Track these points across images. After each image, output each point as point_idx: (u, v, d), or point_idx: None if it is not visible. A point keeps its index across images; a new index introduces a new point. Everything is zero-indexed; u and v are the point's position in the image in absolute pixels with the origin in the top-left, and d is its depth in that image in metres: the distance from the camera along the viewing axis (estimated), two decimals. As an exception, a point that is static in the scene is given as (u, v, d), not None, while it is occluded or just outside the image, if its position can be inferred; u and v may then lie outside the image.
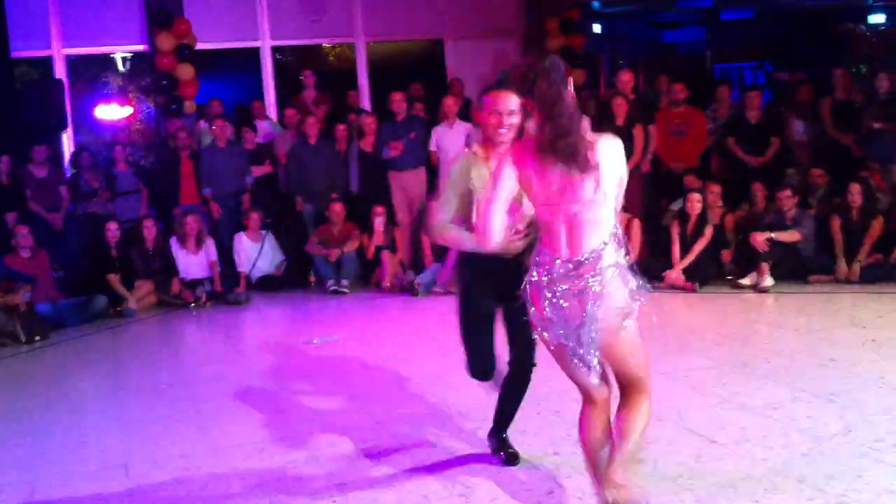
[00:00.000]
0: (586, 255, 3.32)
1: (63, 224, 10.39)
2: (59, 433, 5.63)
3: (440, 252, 9.81)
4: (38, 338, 8.50)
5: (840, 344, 6.21)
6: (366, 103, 13.15)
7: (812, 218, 8.87)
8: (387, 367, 6.58)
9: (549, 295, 3.38)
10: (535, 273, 3.43)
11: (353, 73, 13.68)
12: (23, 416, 6.11)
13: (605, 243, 3.33)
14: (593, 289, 3.30)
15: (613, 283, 3.33)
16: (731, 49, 20.74)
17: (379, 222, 10.09)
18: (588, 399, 3.61)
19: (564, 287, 3.34)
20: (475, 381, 4.51)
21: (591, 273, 3.31)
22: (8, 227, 9.68)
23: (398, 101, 10.52)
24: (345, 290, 9.87)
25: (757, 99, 10.22)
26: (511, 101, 3.98)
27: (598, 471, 3.55)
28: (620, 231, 3.43)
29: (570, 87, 3.41)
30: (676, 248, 8.84)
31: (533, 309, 3.45)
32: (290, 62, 14.20)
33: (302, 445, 5.00)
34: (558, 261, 3.36)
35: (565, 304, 3.35)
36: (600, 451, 3.57)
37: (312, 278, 10.21)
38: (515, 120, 3.98)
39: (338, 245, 10.12)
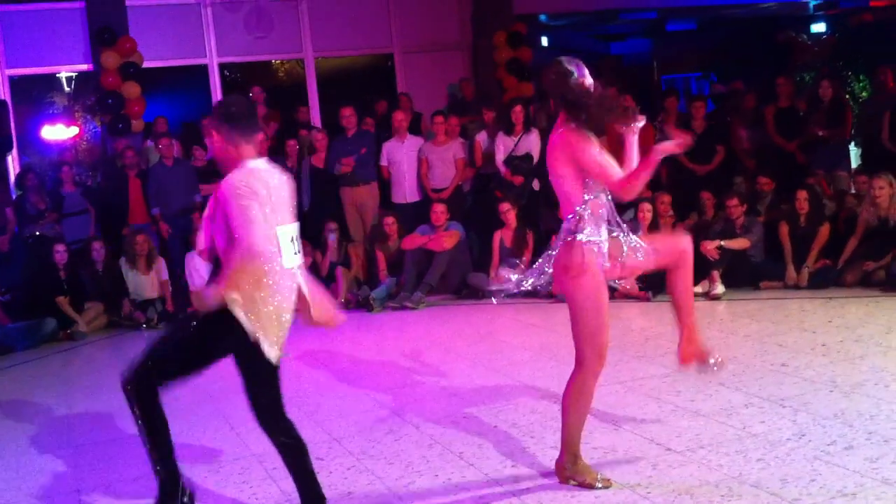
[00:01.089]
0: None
1: (9, 246, 10.22)
2: (9, 458, 5.53)
3: (394, 266, 9.82)
4: (-15, 363, 8.35)
5: (791, 349, 6.30)
6: (316, 119, 13.11)
7: (760, 225, 9.00)
8: (343, 382, 6.55)
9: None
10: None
11: (302, 88, 13.64)
12: (-30, 443, 5.98)
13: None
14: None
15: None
16: (677, 60, 21.04)
17: (332, 238, 10.05)
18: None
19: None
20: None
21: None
22: (-47, 251, 9.51)
23: (348, 117, 10.51)
24: None
25: (701, 109, 10.39)
26: None
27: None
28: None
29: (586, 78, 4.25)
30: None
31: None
32: (239, 79, 14.11)
33: (257, 463, 4.95)
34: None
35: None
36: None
37: None
38: None
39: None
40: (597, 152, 4.12)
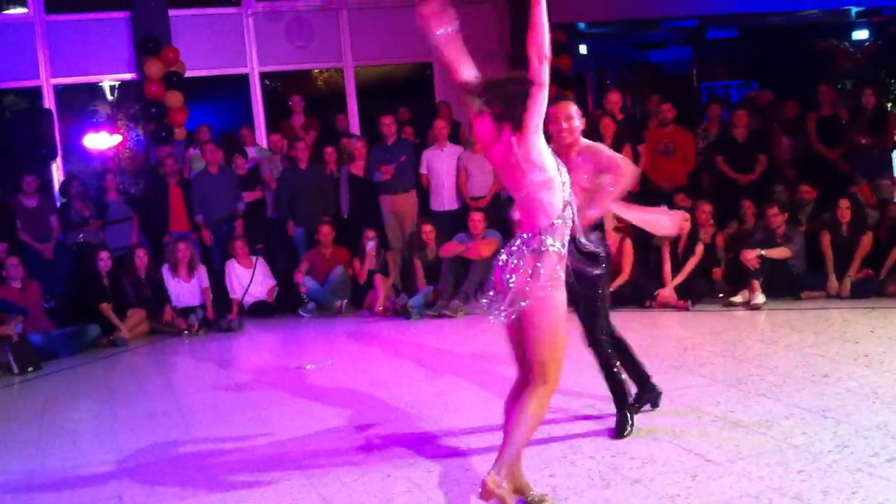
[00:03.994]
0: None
1: (54, 254, 10.38)
2: (52, 464, 5.61)
3: (432, 275, 9.85)
4: (30, 368, 8.47)
5: (833, 359, 6.23)
6: (355, 127, 13.19)
7: (801, 234, 8.91)
8: (381, 390, 6.57)
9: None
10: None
11: (341, 97, 13.74)
12: (16, 447, 6.08)
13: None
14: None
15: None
16: (717, 67, 20.90)
17: (371, 246, 10.11)
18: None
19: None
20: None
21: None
22: (-2, 258, 9.67)
23: (388, 125, 10.57)
24: (307, 314, 10.01)
25: (744, 117, 10.30)
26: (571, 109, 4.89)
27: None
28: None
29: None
30: (668, 267, 8.86)
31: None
32: (279, 88, 14.25)
33: (297, 471, 4.98)
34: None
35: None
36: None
37: (303, 289, 10.16)
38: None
39: (328, 273, 10.18)
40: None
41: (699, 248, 8.91)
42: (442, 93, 13.61)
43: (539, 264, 3.93)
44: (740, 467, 4.41)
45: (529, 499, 4.16)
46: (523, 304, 3.91)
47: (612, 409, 5.20)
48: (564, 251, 4.02)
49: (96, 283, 9.74)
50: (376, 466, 4.94)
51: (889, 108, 11.03)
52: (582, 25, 15.61)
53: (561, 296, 3.99)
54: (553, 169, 3.99)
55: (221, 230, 10.71)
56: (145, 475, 5.21)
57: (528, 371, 4.01)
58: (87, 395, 7.68)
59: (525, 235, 4.02)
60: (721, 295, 8.85)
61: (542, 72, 4.05)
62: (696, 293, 8.77)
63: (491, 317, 3.95)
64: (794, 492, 4.05)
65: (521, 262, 3.96)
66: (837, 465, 4.30)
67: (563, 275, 4.01)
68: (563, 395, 5.52)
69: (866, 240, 8.58)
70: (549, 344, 3.94)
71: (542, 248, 3.95)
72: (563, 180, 4.04)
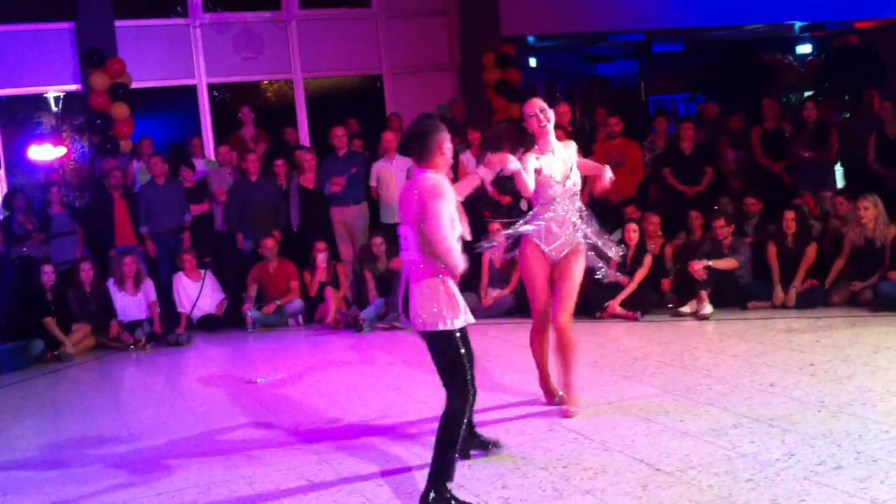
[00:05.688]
0: None
1: (-4, 267, 10.17)
2: (-5, 483, 5.49)
3: (383, 287, 9.81)
4: (-28, 384, 8.29)
5: (779, 369, 6.32)
6: (305, 139, 13.13)
7: (748, 245, 9.05)
8: (332, 403, 6.54)
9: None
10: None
11: (291, 109, 13.66)
12: (-43, 466, 5.94)
13: None
14: None
15: None
16: (664, 81, 21.19)
17: (322, 258, 10.06)
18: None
19: None
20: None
21: None
22: (-60, 272, 9.45)
23: (339, 137, 10.53)
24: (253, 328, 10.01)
25: (690, 130, 10.43)
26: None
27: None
28: None
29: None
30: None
31: None
32: (228, 99, 14.13)
33: (247, 488, 4.93)
34: None
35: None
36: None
37: (249, 319, 10.08)
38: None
39: (276, 289, 10.10)
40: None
41: (647, 259, 9.01)
42: (392, 105, 13.60)
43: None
44: (690, 476, 4.45)
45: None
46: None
47: (562, 420, 5.22)
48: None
49: (40, 297, 9.56)
50: (329, 482, 4.90)
51: (832, 122, 11.18)
52: (531, 39, 15.73)
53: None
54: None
55: (168, 243, 10.58)
56: (91, 492, 5.11)
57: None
58: (31, 411, 7.53)
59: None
60: (670, 305, 8.95)
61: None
62: (645, 304, 8.85)
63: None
64: (743, 500, 4.10)
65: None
66: (785, 474, 4.35)
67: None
68: (515, 403, 5.55)
69: (811, 251, 8.73)
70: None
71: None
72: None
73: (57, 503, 5.01)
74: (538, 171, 5.53)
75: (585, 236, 5.69)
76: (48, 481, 5.42)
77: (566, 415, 5.57)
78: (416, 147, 4.57)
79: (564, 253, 5.63)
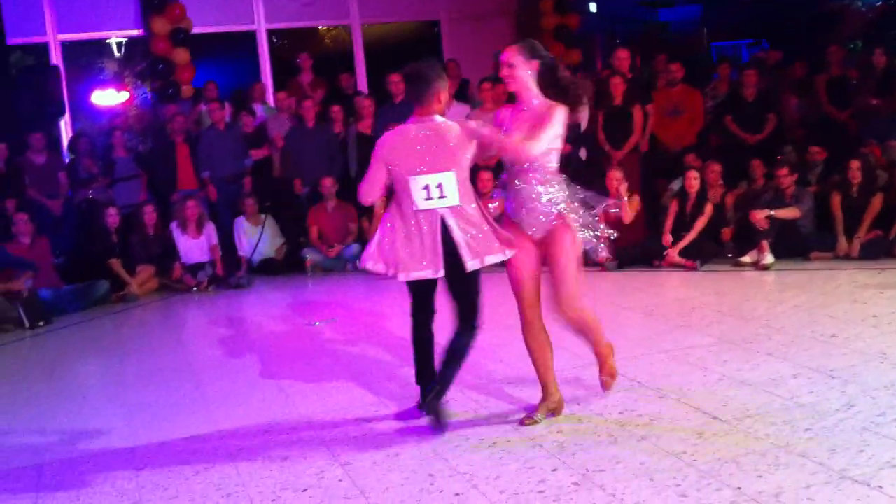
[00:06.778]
0: None
1: (62, 210, 10.40)
2: (64, 417, 5.67)
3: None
4: (41, 323, 8.54)
5: (841, 320, 6.24)
6: (362, 86, 13.13)
7: (811, 195, 8.89)
8: (388, 347, 6.62)
9: None
10: None
11: (349, 55, 13.66)
12: (28, 400, 6.14)
13: None
14: None
15: None
16: (728, 27, 20.72)
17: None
18: None
19: None
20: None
21: None
22: (7, 215, 9.69)
23: (396, 83, 10.50)
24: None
25: (753, 77, 10.21)
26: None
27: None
28: None
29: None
30: (669, 224, 8.88)
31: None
32: (286, 45, 14.17)
33: (306, 425, 5.03)
34: None
35: None
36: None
37: (309, 262, 10.21)
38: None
39: (334, 230, 10.19)
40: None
41: (708, 208, 8.90)
42: (449, 51, 13.52)
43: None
44: (747, 425, 4.43)
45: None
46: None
47: (618, 367, 5.22)
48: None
49: (105, 239, 9.78)
50: (386, 422, 4.98)
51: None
52: (592, -17, 15.50)
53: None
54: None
55: (228, 188, 10.71)
56: (156, 428, 5.26)
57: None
58: (97, 350, 7.74)
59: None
60: (730, 255, 8.84)
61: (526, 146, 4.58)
62: (704, 253, 8.77)
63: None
64: (801, 449, 4.08)
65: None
66: (844, 425, 4.32)
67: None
68: (569, 350, 5.56)
69: (876, 201, 8.55)
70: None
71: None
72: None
73: (123, 440, 5.15)
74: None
75: (565, 208, 4.68)
76: (114, 417, 5.58)
77: (602, 386, 5.04)
78: (416, 90, 4.71)
79: (544, 232, 4.69)
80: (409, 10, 13.88)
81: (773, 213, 8.57)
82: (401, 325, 7.35)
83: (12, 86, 11.46)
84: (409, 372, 5.88)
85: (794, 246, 8.62)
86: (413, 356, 5.03)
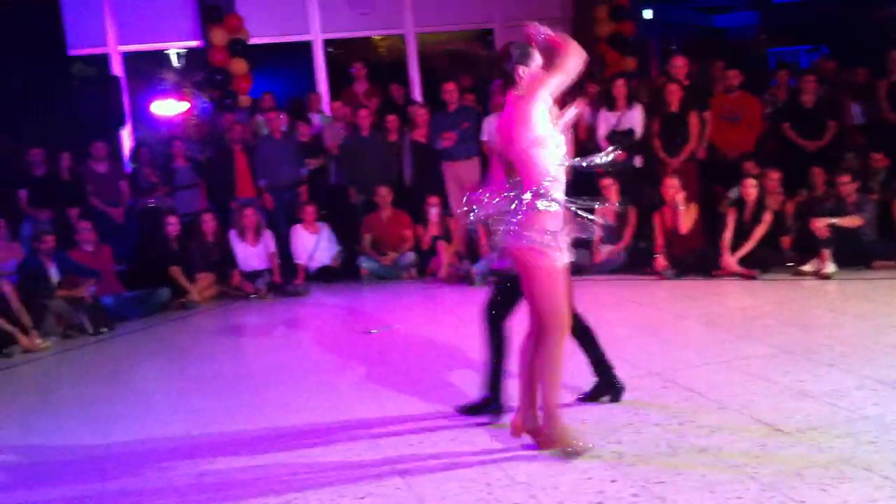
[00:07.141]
0: None
1: (124, 218, 10.59)
2: (126, 422, 5.76)
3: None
4: (104, 329, 8.70)
5: (905, 330, 6.12)
6: (417, 94, 13.19)
7: (873, 203, 8.73)
8: (444, 355, 6.63)
9: None
10: None
11: (402, 64, 13.74)
12: (91, 405, 6.26)
13: None
14: None
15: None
16: (785, 32, 20.47)
17: (434, 212, 10.15)
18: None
19: None
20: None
21: None
22: (71, 223, 9.90)
23: (450, 92, 10.54)
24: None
25: (812, 83, 10.07)
26: None
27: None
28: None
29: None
30: (729, 234, 8.77)
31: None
32: (341, 55, 14.30)
33: (364, 432, 5.05)
34: None
35: None
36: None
37: (364, 271, 10.28)
38: None
39: (389, 239, 10.24)
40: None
41: (767, 216, 8.79)
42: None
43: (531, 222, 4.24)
44: (810, 437, 4.37)
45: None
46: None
47: (677, 377, 5.18)
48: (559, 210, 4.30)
49: (165, 246, 9.93)
50: (444, 431, 4.99)
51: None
52: (647, -10, 15.42)
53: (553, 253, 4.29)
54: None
55: (284, 196, 10.82)
56: (215, 433, 5.32)
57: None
58: (158, 355, 7.87)
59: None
60: (790, 264, 8.71)
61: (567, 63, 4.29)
62: (764, 262, 8.65)
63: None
64: (866, 462, 4.01)
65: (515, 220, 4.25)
66: (910, 437, 4.24)
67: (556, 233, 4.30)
68: (629, 358, 5.52)
69: (941, 209, 8.38)
70: (545, 298, 4.34)
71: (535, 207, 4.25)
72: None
73: (183, 444, 5.23)
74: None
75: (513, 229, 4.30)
76: (174, 422, 5.66)
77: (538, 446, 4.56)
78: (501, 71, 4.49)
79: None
80: (463, 18, 13.91)
81: (834, 221, 8.43)
82: (456, 332, 7.40)
83: (74, 96, 11.71)
84: (466, 379, 5.91)
85: (855, 254, 8.47)
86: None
